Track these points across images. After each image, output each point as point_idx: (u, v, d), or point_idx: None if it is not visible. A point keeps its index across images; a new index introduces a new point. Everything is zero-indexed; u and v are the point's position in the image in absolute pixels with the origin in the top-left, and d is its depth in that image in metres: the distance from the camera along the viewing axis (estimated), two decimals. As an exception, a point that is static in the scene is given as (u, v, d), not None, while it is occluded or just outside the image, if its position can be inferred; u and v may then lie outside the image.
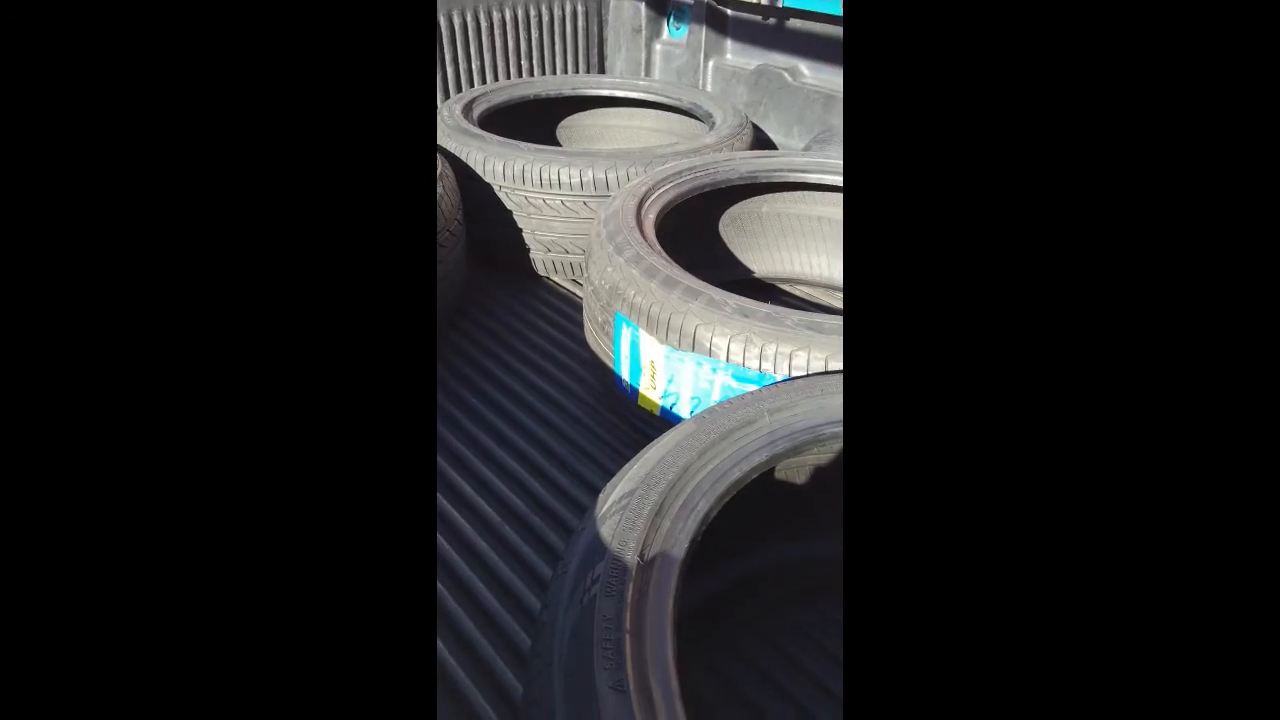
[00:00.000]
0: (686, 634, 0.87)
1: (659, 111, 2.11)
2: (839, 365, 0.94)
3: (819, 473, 0.96)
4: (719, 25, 2.16)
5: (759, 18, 2.06)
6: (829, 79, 1.96)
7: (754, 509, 0.90)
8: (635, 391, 1.15)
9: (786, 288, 1.75)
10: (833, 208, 1.65)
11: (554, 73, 2.29)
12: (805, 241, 1.71)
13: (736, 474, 0.73)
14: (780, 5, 1.93)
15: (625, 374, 1.16)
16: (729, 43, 2.18)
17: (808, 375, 0.93)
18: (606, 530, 0.64)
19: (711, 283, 1.07)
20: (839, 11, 1.72)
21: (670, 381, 1.08)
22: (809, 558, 0.99)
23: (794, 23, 2.00)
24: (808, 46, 1.99)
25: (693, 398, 1.06)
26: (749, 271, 1.72)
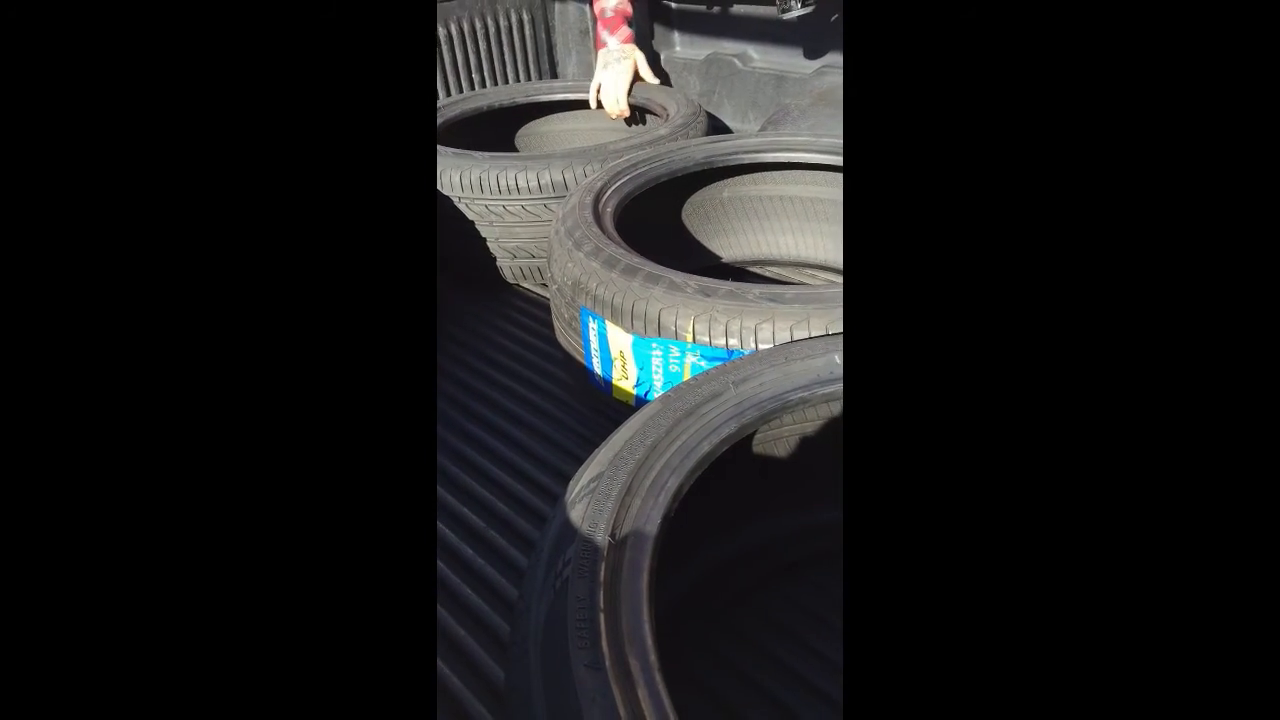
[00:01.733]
0: (679, 615, 0.87)
1: (614, 110, 2.12)
2: (803, 334, 0.94)
3: (805, 442, 0.96)
4: (665, 19, 2.17)
5: (704, 7, 2.07)
6: (779, 60, 1.97)
7: (735, 486, 0.90)
8: (609, 384, 1.15)
9: (756, 270, 1.75)
10: (793, 185, 1.65)
11: (506, 82, 2.29)
12: (769, 222, 1.71)
13: (706, 448, 0.73)
14: (722, -8, 1.95)
15: (597, 367, 1.16)
16: (677, 35, 2.19)
17: (772, 346, 0.93)
18: (576, 514, 0.64)
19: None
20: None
21: (642, 369, 1.08)
22: (795, 530, 0.99)
23: (738, 8, 2.01)
24: (755, 30, 2.00)
25: (665, 382, 1.06)
26: (717, 258, 1.72)
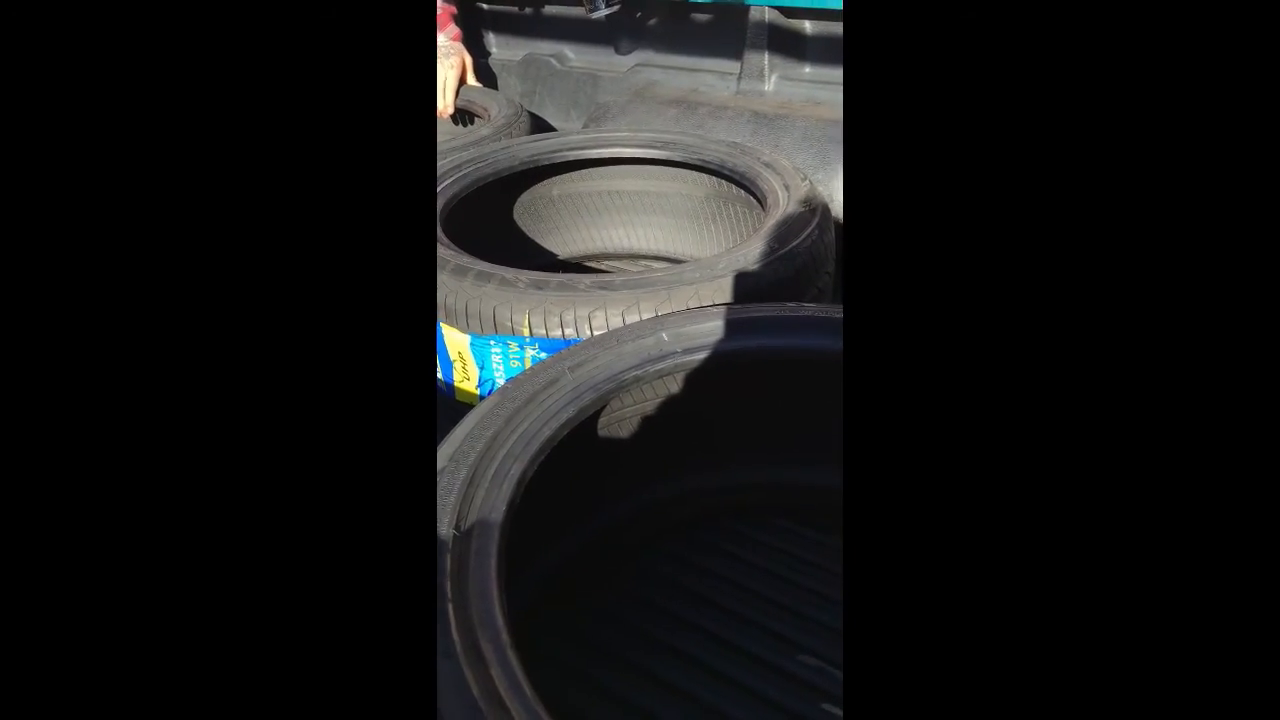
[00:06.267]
0: (540, 604, 0.88)
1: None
2: (634, 319, 0.98)
3: (646, 420, 1.00)
4: (478, 20, 2.16)
5: (515, 8, 2.08)
6: (594, 60, 2.02)
7: (584, 470, 0.92)
8: (451, 386, 1.14)
9: (593, 264, 1.78)
10: (619, 180, 1.70)
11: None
12: (600, 217, 1.75)
13: (547, 433, 0.74)
14: (531, -7, 1.96)
15: (437, 371, 1.14)
16: (492, 36, 2.18)
17: (606, 332, 0.96)
18: (418, 513, 0.63)
19: (513, 270, 1.07)
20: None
21: (483, 368, 1.08)
22: (648, 505, 1.03)
23: (549, 9, 2.03)
24: (567, 30, 2.04)
25: (507, 378, 1.06)
26: (554, 255, 1.74)
